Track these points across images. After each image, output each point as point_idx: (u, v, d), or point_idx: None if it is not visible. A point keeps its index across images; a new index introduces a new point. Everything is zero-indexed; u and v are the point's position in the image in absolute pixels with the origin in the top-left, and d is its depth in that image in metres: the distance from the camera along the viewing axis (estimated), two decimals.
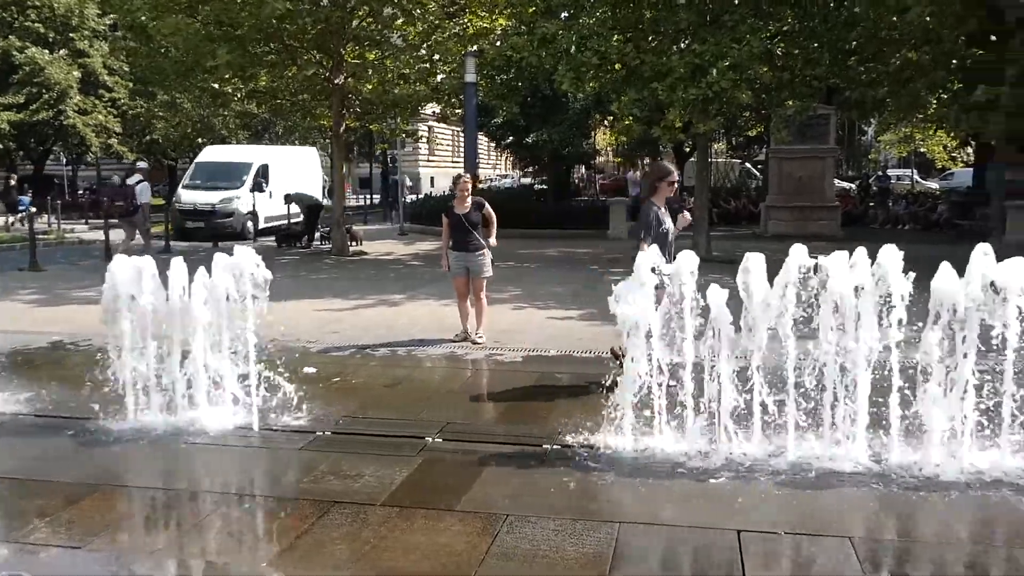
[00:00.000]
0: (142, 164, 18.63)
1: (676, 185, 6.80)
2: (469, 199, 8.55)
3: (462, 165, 14.91)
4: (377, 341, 8.69)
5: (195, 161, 24.74)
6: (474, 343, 8.47)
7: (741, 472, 4.88)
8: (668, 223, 6.69)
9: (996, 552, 4.07)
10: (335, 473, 4.99)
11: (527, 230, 20.65)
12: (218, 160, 23.65)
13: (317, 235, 19.83)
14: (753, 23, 13.55)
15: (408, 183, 17.92)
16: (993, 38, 13.42)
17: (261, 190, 22.38)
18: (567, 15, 15.96)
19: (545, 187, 28.93)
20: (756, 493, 4.61)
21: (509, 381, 7.34)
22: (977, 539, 4.20)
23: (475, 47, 15.37)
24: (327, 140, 31.24)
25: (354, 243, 18.25)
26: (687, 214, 7.08)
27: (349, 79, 17.07)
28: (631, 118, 15.33)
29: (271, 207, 22.48)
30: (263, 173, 23.00)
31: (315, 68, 16.83)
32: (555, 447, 5.38)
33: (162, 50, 16.74)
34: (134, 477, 5.12)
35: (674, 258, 6.26)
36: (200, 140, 28.12)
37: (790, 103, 16.04)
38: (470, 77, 13.57)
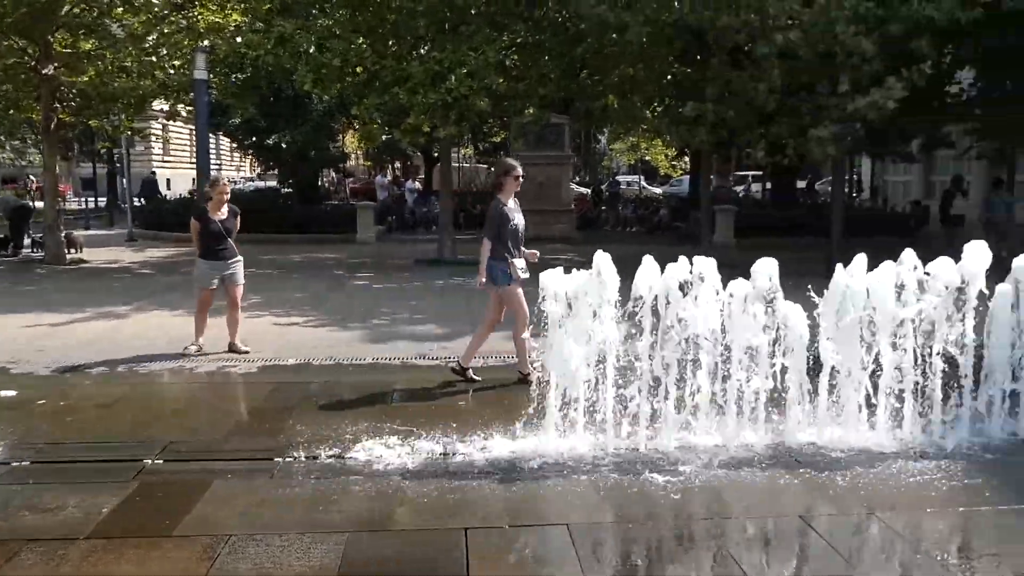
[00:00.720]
0: None
1: (521, 179, 7.03)
2: (226, 206, 8.13)
3: (195, 166, 13.98)
4: (95, 359, 7.93)
5: None
6: (240, 352, 8.12)
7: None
8: (518, 219, 6.91)
9: None
10: (31, 508, 4.47)
11: (272, 235, 19.90)
12: None
13: (28, 242, 17.79)
14: (488, 34, 14.04)
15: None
16: (699, 57, 14.97)
17: None
18: (307, 16, 15.58)
19: (291, 190, 28.04)
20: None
21: (242, 394, 7.02)
22: None
23: (206, 42, 14.50)
24: (38, 136, 28.09)
25: (73, 250, 16.55)
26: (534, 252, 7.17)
27: (60, 69, 15.43)
28: (374, 122, 15.29)
29: None
30: None
31: (17, 56, 15.02)
32: (287, 460, 5.20)
33: None
34: None
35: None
36: None
37: (529, 111, 16.82)
38: (200, 74, 12.79)
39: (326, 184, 41.76)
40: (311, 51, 14.36)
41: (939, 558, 3.91)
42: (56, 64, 15.27)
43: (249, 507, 4.51)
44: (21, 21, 14.21)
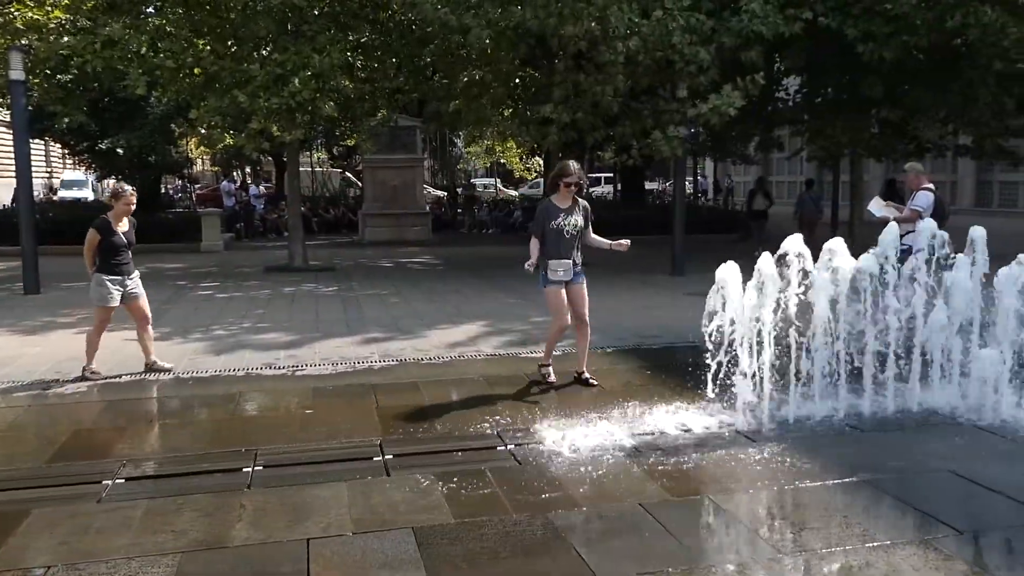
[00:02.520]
0: None
1: (573, 187, 6.78)
2: (126, 217, 7.51)
3: (15, 174, 12.91)
4: None
5: None
6: (163, 369, 7.65)
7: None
8: (564, 219, 6.73)
9: None
10: None
11: None
12: None
13: None
14: (333, 35, 13.75)
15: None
16: (544, 61, 15.27)
17: None
18: (137, 14, 14.73)
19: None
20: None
21: (67, 416, 6.53)
22: None
23: (24, 41, 13.44)
24: None
25: None
26: (624, 242, 6.97)
27: None
28: (215, 126, 14.64)
29: None
30: None
31: None
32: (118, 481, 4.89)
33: None
34: None
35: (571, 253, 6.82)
36: None
37: (381, 113, 16.61)
38: (16, 75, 11.82)
39: (170, 191, 39.76)
40: (142, 52, 13.60)
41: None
42: None
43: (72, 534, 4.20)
44: None
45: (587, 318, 7.07)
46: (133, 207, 7.57)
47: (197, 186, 42.41)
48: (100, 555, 3.96)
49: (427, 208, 24.01)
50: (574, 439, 5.55)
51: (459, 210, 28.90)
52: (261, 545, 4.08)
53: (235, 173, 38.92)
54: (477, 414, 6.26)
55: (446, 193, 34.45)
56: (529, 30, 12.74)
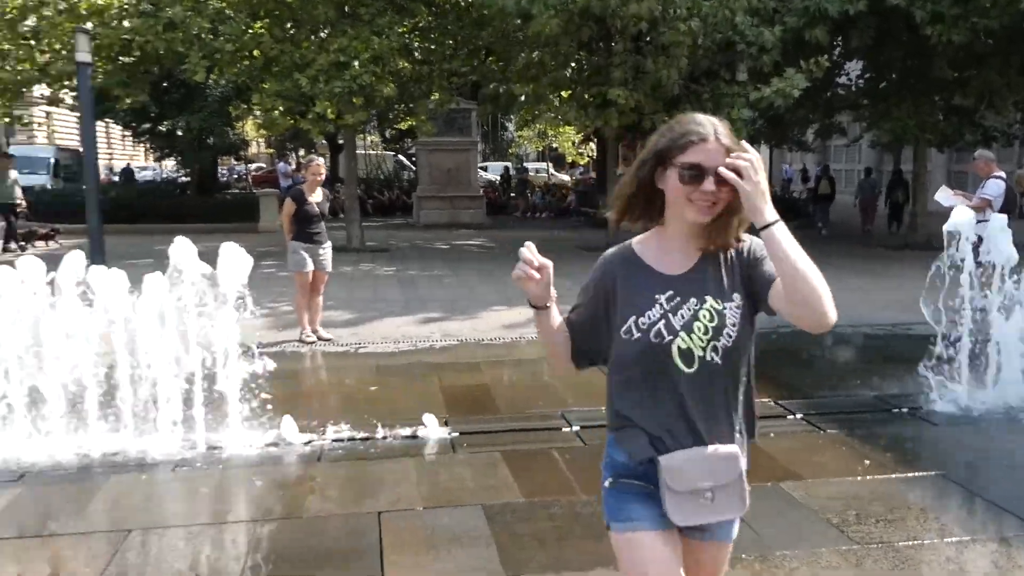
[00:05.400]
0: None
1: None
2: (319, 187, 7.80)
3: (84, 154, 13.22)
4: None
5: None
6: (322, 339, 7.86)
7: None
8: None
9: None
10: None
11: (170, 225, 19.12)
12: None
13: None
14: (391, 17, 13.78)
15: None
16: (601, 44, 15.10)
17: None
18: None
19: (189, 179, 27.06)
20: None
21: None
22: None
23: (89, 24, 13.70)
24: None
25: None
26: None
27: None
28: (275, 109, 14.83)
29: None
30: None
31: None
32: None
33: None
34: None
35: None
36: None
37: (434, 96, 16.62)
38: (83, 57, 12.02)
39: (231, 173, 40.42)
40: (202, 35, 13.79)
41: None
42: None
43: None
44: None
45: None
46: (322, 177, 7.86)
47: (253, 167, 43.05)
48: (176, 522, 4.05)
49: (481, 191, 24.01)
50: None
51: (512, 194, 28.88)
52: (334, 516, 4.14)
53: (290, 155, 39.43)
54: (540, 394, 6.25)
55: (497, 177, 34.44)
56: (591, 13, 12.60)
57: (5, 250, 15.56)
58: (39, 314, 4.88)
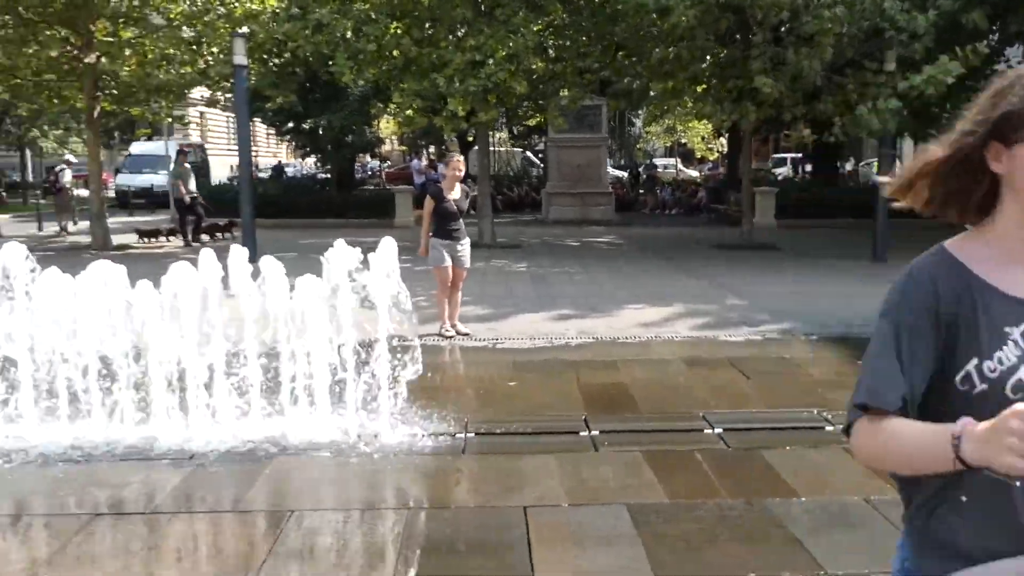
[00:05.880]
0: None
1: None
2: (458, 184, 8.01)
3: (238, 153, 14.08)
4: None
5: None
6: (460, 333, 8.04)
7: None
8: None
9: None
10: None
11: (310, 219, 20.06)
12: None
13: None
14: (526, 16, 13.92)
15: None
16: (738, 36, 14.72)
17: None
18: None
19: (328, 176, 28.25)
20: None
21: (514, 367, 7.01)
22: None
23: (244, 28, 14.54)
24: (81, 126, 28.50)
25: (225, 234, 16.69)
26: None
27: (102, 59, 15.60)
28: (414, 108, 15.27)
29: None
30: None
31: (60, 46, 15.20)
32: None
33: None
34: None
35: None
36: None
37: (564, 92, 16.67)
38: (239, 59, 12.82)
39: (367, 170, 41.86)
40: (347, 36, 14.34)
41: None
42: (98, 53, 15.43)
43: None
44: (64, 11, 14.38)
45: None
46: (461, 173, 7.97)
47: (386, 164, 44.43)
48: (333, 505, 4.26)
49: (610, 188, 23.90)
50: (785, 426, 5.36)
51: (640, 191, 28.59)
52: (480, 509, 4.24)
53: (423, 152, 40.42)
54: (680, 395, 6.19)
55: (627, 173, 34.16)
56: (729, 4, 12.32)
57: (196, 240, 16.74)
58: (213, 305, 5.21)
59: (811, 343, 7.83)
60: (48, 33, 15.13)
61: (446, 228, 7.85)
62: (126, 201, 27.28)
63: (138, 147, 31.29)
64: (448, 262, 7.88)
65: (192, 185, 17.10)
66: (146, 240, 17.30)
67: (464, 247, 8.02)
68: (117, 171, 32.33)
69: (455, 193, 7.91)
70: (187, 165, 17.01)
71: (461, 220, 7.99)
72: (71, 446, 5.01)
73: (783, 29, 13.45)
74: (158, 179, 25.95)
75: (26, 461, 4.85)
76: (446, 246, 7.87)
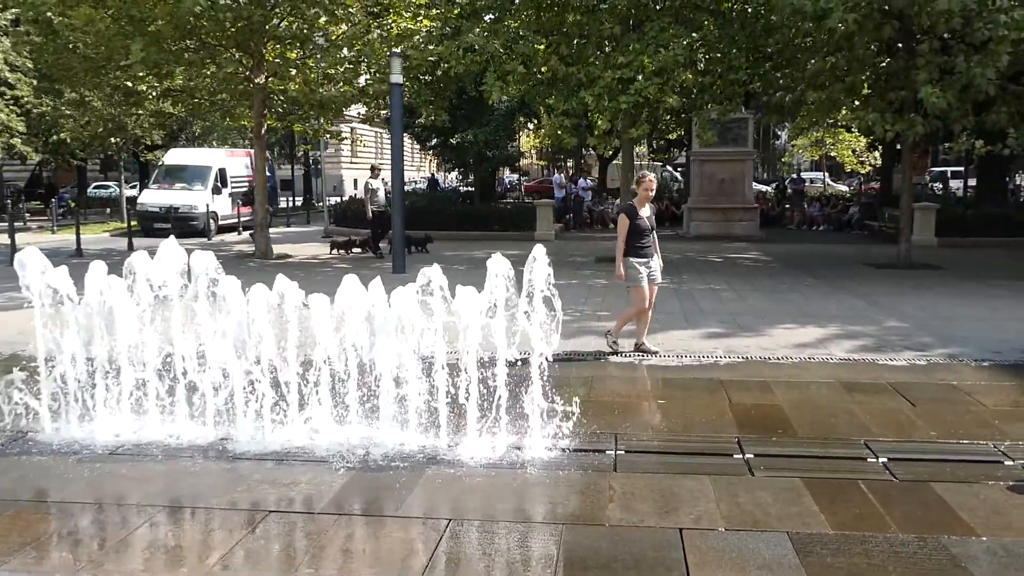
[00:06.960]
0: None
1: None
2: (648, 203, 8.10)
3: (390, 167, 14.65)
4: None
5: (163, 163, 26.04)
6: (649, 351, 8.02)
7: None
8: None
9: None
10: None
11: (453, 232, 20.59)
12: (182, 163, 24.85)
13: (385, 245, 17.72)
14: (675, 30, 13.77)
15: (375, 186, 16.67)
16: (900, 45, 13.99)
17: (219, 192, 23.74)
18: (492, 17, 15.92)
19: (471, 189, 28.92)
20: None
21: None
22: None
23: (400, 48, 15.16)
24: (246, 142, 30.51)
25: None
26: None
27: (271, 79, 16.66)
28: (563, 126, 15.42)
29: (225, 207, 24.11)
30: (221, 176, 24.14)
31: (235, 67, 16.36)
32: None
33: (70, 46, 16.02)
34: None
35: None
36: (113, 140, 26.92)
37: (710, 106, 16.37)
38: (396, 78, 13.36)
39: (507, 183, 42.62)
40: (497, 54, 14.63)
41: None
42: (267, 74, 16.49)
43: None
44: (239, 34, 15.46)
45: None
46: (653, 192, 7.99)
47: (526, 178, 45.02)
48: (488, 516, 4.35)
49: (754, 203, 23.24)
50: (957, 458, 5.04)
51: (786, 205, 27.65)
52: (636, 528, 4.21)
53: (562, 167, 40.71)
54: (837, 420, 5.93)
55: (773, 186, 33.13)
56: (890, 11, 11.74)
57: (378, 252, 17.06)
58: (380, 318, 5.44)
59: (983, 370, 7.32)
60: (225, 56, 16.31)
61: (639, 245, 7.84)
62: (150, 228, 21.94)
63: (175, 155, 26.05)
64: (645, 281, 7.85)
65: (381, 198, 17.03)
66: (339, 252, 17.59)
67: (656, 262, 8.00)
68: (142, 185, 28.66)
69: (646, 210, 7.93)
70: (372, 181, 17.16)
71: (652, 235, 7.95)
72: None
73: (955, 36, 12.69)
74: (193, 197, 22.63)
75: (236, 457, 5.22)
76: (641, 264, 7.86)
